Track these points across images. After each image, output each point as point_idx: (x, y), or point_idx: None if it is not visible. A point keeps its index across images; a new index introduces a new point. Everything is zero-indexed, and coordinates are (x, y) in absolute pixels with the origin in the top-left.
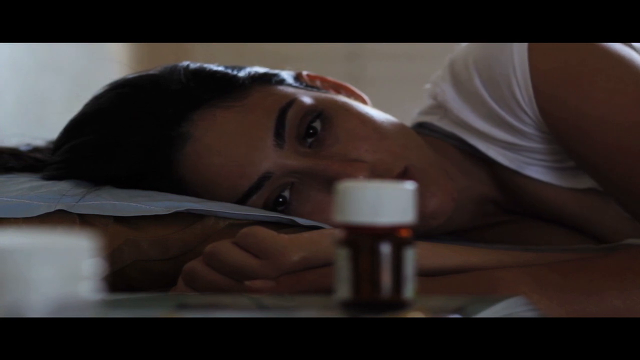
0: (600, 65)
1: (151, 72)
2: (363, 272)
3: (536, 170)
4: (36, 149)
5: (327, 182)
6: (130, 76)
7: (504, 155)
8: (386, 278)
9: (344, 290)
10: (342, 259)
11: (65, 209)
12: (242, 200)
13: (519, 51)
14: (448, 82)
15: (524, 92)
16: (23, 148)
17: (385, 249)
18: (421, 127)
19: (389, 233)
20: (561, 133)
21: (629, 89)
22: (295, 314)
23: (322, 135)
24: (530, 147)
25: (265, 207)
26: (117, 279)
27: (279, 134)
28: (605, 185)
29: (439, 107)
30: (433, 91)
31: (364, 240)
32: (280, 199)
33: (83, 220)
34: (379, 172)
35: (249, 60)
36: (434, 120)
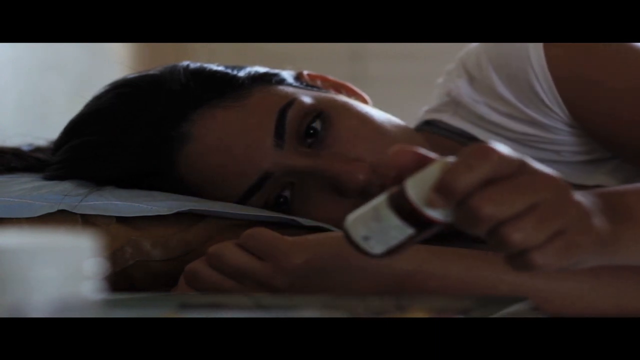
0: (619, 47)
1: (151, 72)
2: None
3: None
4: (38, 149)
5: (328, 182)
6: (131, 76)
7: (515, 150)
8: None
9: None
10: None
11: (67, 209)
12: (242, 200)
13: (534, 45)
14: (463, 78)
15: (542, 82)
16: (25, 148)
17: None
18: (429, 125)
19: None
20: (586, 114)
21: None
22: (295, 314)
23: (322, 135)
24: (547, 138)
25: (266, 207)
26: (119, 279)
27: (279, 134)
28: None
29: (451, 104)
30: (447, 87)
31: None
32: (281, 199)
33: (85, 221)
34: (379, 172)
35: (251, 60)
36: (444, 117)
